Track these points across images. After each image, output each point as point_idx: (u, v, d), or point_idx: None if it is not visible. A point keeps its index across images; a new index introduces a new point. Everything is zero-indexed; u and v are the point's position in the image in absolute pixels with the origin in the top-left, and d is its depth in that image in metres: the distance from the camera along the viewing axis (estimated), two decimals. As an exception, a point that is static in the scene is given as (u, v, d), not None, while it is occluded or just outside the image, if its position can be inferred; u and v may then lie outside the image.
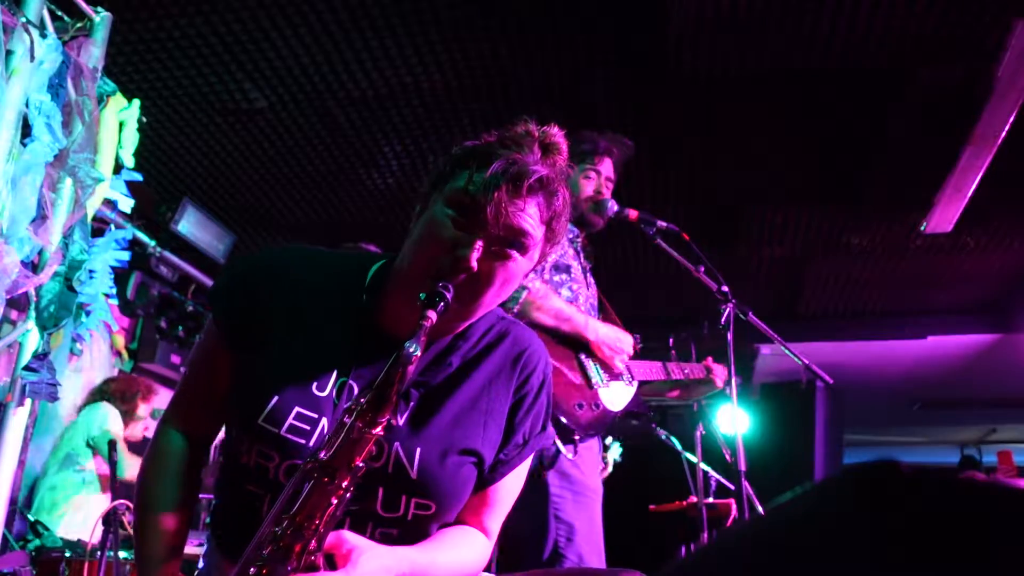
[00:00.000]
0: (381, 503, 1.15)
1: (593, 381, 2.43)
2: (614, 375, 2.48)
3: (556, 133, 1.21)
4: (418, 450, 1.16)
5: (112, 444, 3.07)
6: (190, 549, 3.42)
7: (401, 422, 1.17)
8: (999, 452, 5.49)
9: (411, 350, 1.01)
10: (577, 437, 2.36)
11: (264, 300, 1.20)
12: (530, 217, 1.13)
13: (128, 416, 3.91)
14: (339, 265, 1.27)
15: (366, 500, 1.14)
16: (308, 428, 1.13)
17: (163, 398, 4.99)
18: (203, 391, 1.25)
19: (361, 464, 1.03)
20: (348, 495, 1.03)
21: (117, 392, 3.93)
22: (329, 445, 1.03)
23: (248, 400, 1.15)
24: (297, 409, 1.14)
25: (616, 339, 2.45)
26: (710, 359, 2.82)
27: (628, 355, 2.49)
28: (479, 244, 1.10)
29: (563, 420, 2.30)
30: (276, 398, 1.14)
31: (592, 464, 2.40)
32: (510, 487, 1.29)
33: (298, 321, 1.19)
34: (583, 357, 2.42)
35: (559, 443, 2.33)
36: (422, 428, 1.17)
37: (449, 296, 1.08)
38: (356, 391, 1.16)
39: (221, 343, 1.22)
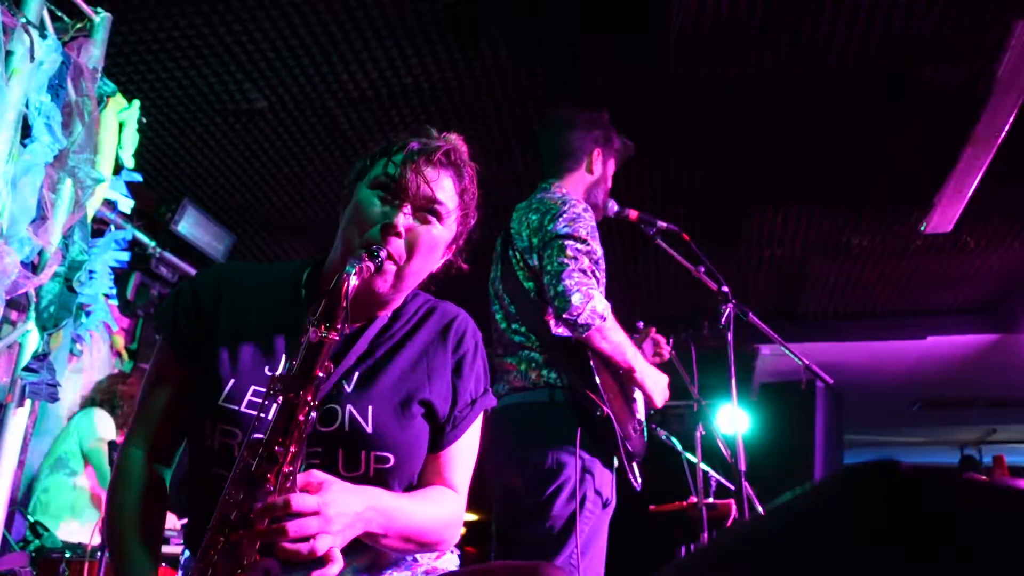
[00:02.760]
0: (342, 463, 1.25)
1: (631, 399, 2.42)
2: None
3: (456, 137, 1.40)
4: (370, 408, 1.27)
5: (112, 445, 3.07)
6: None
7: (349, 389, 1.28)
8: (993, 457, 5.50)
9: (348, 269, 1.16)
10: (636, 461, 2.35)
11: (209, 311, 1.32)
12: (443, 188, 1.31)
13: (125, 419, 3.85)
14: (275, 272, 1.43)
15: (328, 464, 1.23)
16: (266, 403, 1.21)
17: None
18: (161, 408, 1.33)
19: (322, 375, 1.12)
20: (313, 415, 1.13)
21: (123, 395, 3.86)
22: (291, 364, 1.13)
23: (208, 388, 1.26)
24: (253, 387, 1.25)
25: (657, 374, 2.42)
26: (653, 329, 2.74)
27: (666, 395, 2.44)
28: (405, 210, 1.27)
29: (629, 447, 2.28)
30: (233, 380, 1.25)
31: (614, 481, 2.38)
32: (467, 445, 1.39)
33: (243, 322, 1.32)
34: (621, 375, 2.39)
35: (629, 474, 2.31)
36: (370, 389, 1.29)
37: (383, 254, 1.23)
38: None
39: (174, 358, 1.33)
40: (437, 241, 1.32)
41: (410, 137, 1.34)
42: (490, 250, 2.60)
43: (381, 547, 1.24)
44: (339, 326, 1.13)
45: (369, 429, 1.25)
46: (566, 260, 2.24)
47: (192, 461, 1.30)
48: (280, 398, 1.11)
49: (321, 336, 1.12)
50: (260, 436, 1.11)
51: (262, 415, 1.17)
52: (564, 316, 2.18)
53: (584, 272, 2.23)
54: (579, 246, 2.27)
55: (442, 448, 1.35)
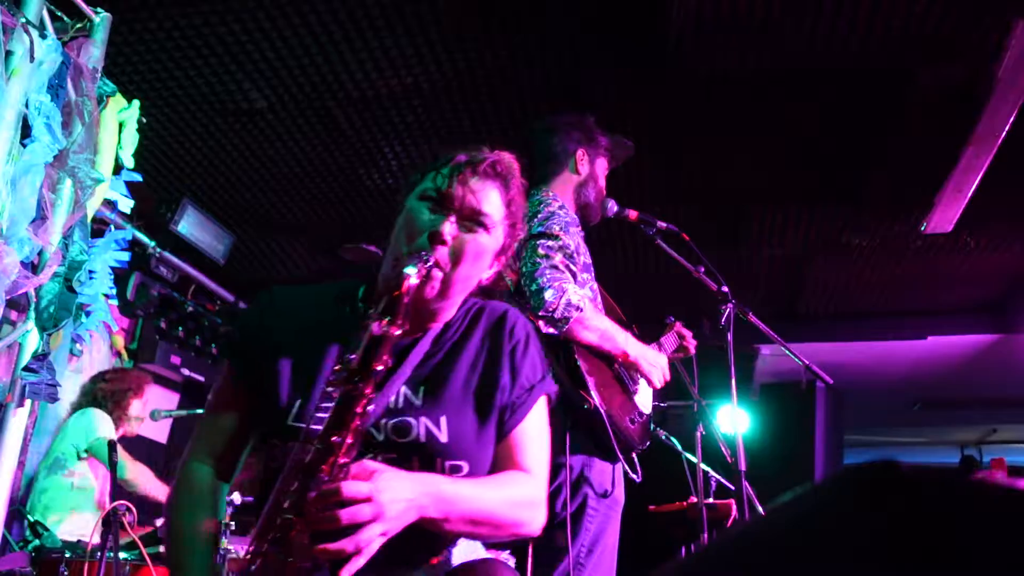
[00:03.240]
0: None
1: (631, 390, 2.42)
2: (639, 377, 2.48)
3: (508, 154, 1.43)
4: (443, 418, 1.30)
5: (112, 445, 3.07)
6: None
7: (418, 402, 1.31)
8: (992, 460, 5.52)
9: (407, 270, 1.23)
10: (635, 454, 2.35)
11: (272, 337, 1.39)
12: (489, 199, 1.35)
13: (120, 418, 3.83)
14: (330, 292, 1.48)
15: None
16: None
17: (159, 395, 4.99)
18: (225, 428, 1.39)
19: (380, 368, 1.15)
20: (371, 407, 1.16)
21: (107, 394, 3.84)
22: (349, 359, 1.16)
23: (276, 409, 1.32)
24: (319, 405, 1.25)
25: (654, 355, 2.44)
26: (679, 324, 2.77)
27: (666, 374, 2.46)
28: (451, 219, 1.31)
29: (624, 439, 2.28)
30: (299, 400, 1.31)
31: (621, 476, 2.38)
32: (532, 429, 1.39)
33: (304, 342, 1.37)
34: (617, 367, 2.40)
35: (626, 467, 2.32)
36: (440, 399, 1.32)
37: (431, 260, 1.26)
38: None
39: (238, 381, 1.40)
40: (483, 250, 1.36)
41: (460, 150, 1.39)
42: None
43: (447, 533, 1.25)
44: (399, 320, 1.18)
45: (444, 439, 1.29)
46: (538, 259, 2.27)
47: (266, 478, 1.33)
48: (340, 389, 1.14)
49: (384, 329, 1.16)
50: (318, 428, 1.14)
51: (324, 406, 1.18)
52: (540, 313, 2.20)
53: (556, 268, 2.26)
54: (550, 243, 2.30)
55: (505, 435, 1.37)
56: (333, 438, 1.11)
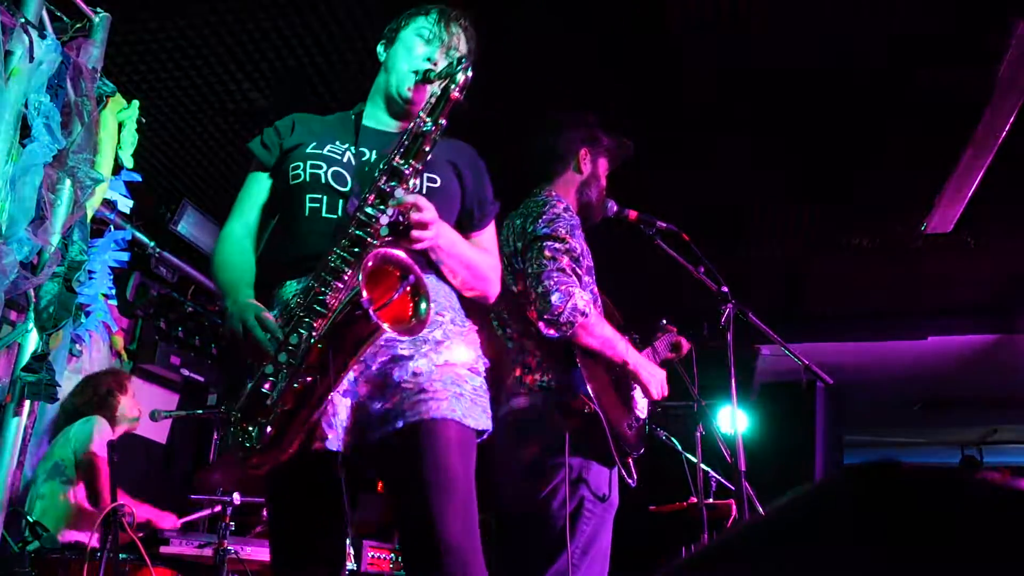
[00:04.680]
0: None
1: (629, 395, 2.42)
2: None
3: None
4: None
5: (112, 445, 3.06)
6: (190, 550, 3.42)
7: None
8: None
9: (461, 75, 1.67)
10: (631, 459, 2.35)
11: (284, 133, 1.87)
12: (464, 40, 1.90)
13: (112, 418, 3.78)
14: (332, 116, 1.96)
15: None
16: (340, 155, 1.79)
17: (159, 395, 4.99)
18: (252, 198, 1.86)
19: (443, 123, 1.66)
20: (432, 151, 1.67)
21: (94, 402, 3.77)
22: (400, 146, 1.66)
23: (296, 152, 1.81)
24: (329, 146, 1.81)
25: (654, 367, 2.44)
26: (675, 329, 2.77)
27: (664, 387, 2.45)
28: (442, 51, 1.86)
29: (622, 444, 2.28)
30: (314, 142, 1.81)
31: (616, 480, 2.38)
32: (492, 235, 1.93)
33: (312, 133, 1.85)
34: (616, 371, 2.39)
35: (622, 471, 2.31)
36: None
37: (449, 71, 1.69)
38: (365, 153, 1.80)
39: (260, 167, 1.86)
40: None
41: (432, 5, 1.92)
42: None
43: (444, 267, 1.74)
44: (461, 84, 1.67)
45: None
46: (545, 261, 2.26)
47: (284, 200, 1.81)
48: (409, 124, 1.68)
49: (451, 93, 1.65)
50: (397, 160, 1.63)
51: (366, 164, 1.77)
52: (546, 316, 2.19)
53: (563, 271, 2.24)
54: (558, 245, 2.28)
55: (479, 228, 1.87)
56: (412, 164, 1.63)
